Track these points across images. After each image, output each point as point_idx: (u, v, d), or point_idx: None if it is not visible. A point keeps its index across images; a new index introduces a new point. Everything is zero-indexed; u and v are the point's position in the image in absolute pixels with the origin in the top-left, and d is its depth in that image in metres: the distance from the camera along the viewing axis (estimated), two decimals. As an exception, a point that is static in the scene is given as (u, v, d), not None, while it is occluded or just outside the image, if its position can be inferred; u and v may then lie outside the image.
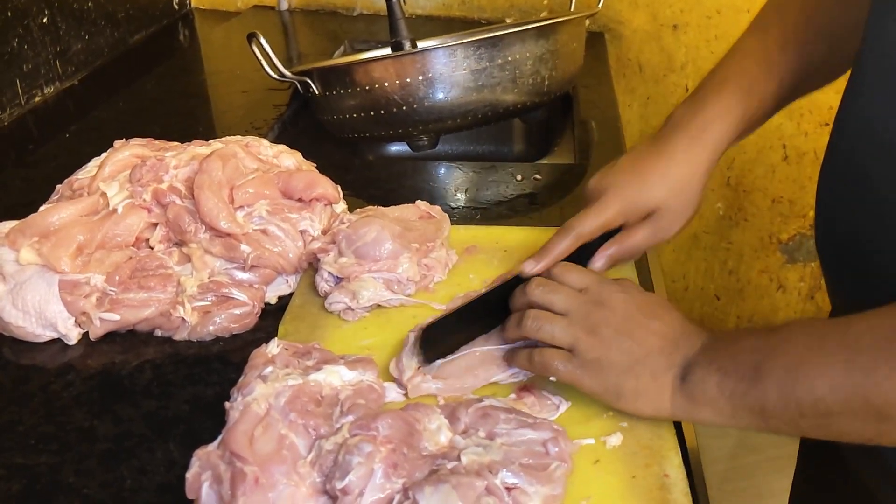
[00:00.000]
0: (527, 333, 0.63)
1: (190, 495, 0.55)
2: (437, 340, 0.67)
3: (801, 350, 0.52)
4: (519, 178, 1.04)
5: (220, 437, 0.57)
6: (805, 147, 1.75)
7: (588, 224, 0.71)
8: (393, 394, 0.64)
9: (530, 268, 0.70)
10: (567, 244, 0.71)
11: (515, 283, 0.70)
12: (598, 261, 0.73)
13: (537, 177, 1.04)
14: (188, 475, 0.56)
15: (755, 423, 0.54)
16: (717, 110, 0.71)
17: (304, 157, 0.94)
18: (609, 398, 0.60)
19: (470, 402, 0.61)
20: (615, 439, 0.60)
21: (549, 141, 1.28)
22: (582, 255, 0.73)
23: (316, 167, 0.93)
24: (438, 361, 0.67)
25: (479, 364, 0.67)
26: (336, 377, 0.62)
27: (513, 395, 0.65)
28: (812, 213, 0.68)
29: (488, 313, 0.70)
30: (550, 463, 0.56)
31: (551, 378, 0.64)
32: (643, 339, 0.59)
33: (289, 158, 0.93)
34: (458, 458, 0.55)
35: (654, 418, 0.60)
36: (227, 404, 0.60)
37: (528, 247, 0.83)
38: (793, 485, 0.93)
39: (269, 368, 0.62)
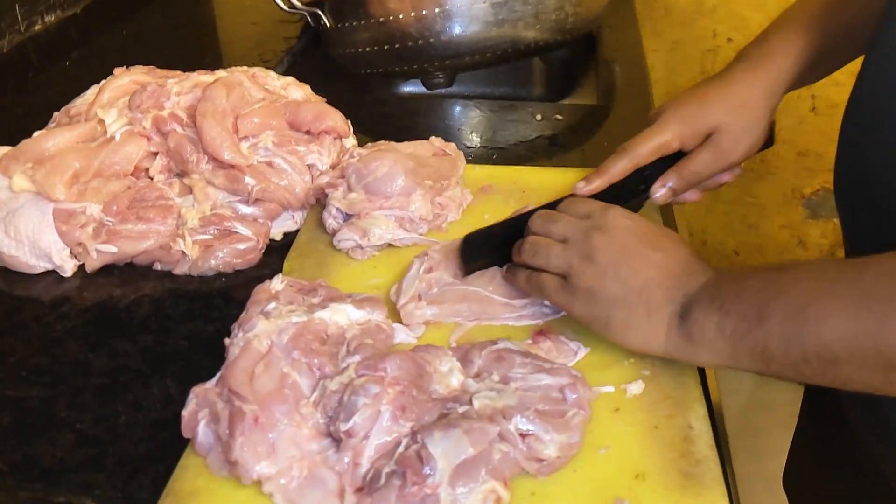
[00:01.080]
0: (524, 259, 0.61)
1: (186, 434, 0.52)
2: (477, 251, 0.66)
3: (809, 291, 0.48)
4: (539, 118, 0.99)
5: (218, 374, 0.54)
6: (836, 98, 1.68)
7: (643, 145, 0.69)
8: (402, 335, 0.61)
9: (583, 185, 0.69)
10: (622, 165, 0.69)
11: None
12: (658, 191, 0.71)
13: (558, 117, 0.99)
14: (184, 413, 0.53)
15: (756, 365, 0.50)
16: (779, 43, 0.70)
17: (313, 92, 0.89)
18: (597, 327, 0.57)
19: (484, 345, 0.57)
20: (636, 387, 0.57)
21: (570, 82, 1.23)
22: (638, 184, 0.70)
23: (326, 102, 0.88)
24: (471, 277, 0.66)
25: (476, 300, 0.64)
26: (342, 316, 0.59)
27: (528, 340, 0.61)
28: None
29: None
30: (568, 410, 0.53)
31: (545, 301, 0.61)
32: (641, 270, 0.55)
33: (297, 91, 0.89)
34: (470, 403, 0.52)
35: (642, 353, 0.56)
36: (227, 340, 0.57)
37: (548, 188, 0.79)
38: (793, 440, 0.90)
39: (273, 304, 0.59)
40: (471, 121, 1.01)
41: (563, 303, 0.58)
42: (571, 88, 1.17)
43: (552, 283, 0.59)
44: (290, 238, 0.76)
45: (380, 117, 1.01)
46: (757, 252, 1.91)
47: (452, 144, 0.83)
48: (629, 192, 0.70)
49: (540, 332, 0.62)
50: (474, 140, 0.96)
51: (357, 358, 0.55)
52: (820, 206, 1.83)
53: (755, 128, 0.70)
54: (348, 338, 0.57)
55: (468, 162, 0.83)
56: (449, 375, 0.55)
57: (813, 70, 0.72)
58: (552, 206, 0.67)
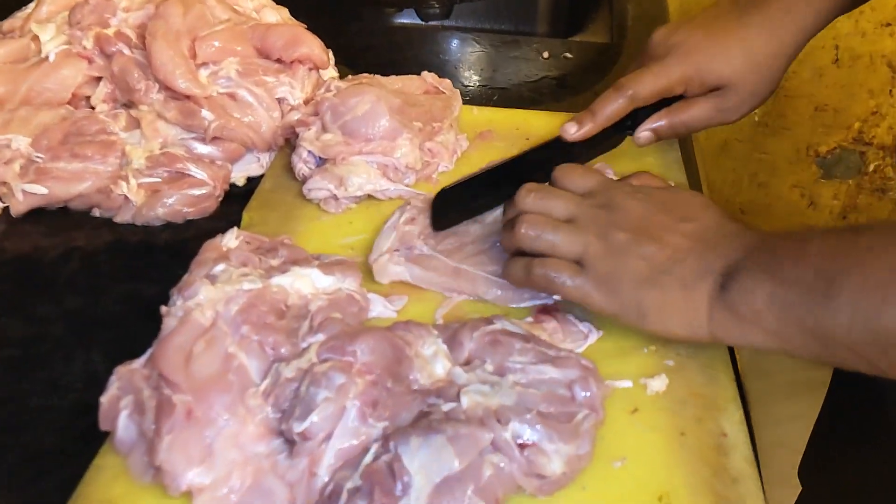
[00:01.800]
0: (521, 242, 0.50)
1: (104, 426, 0.42)
2: (451, 205, 0.58)
3: (892, 263, 0.39)
4: (545, 55, 0.88)
5: (148, 352, 0.44)
6: (860, 49, 1.56)
7: (646, 85, 0.59)
8: (379, 307, 0.51)
9: (573, 130, 0.59)
10: (619, 106, 0.59)
11: (550, 148, 0.59)
12: (643, 132, 0.61)
13: (567, 55, 0.88)
14: (103, 399, 0.43)
15: (812, 347, 0.42)
16: None
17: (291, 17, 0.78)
18: (630, 317, 0.47)
19: (476, 324, 0.47)
20: (658, 383, 0.47)
21: (580, 17, 1.11)
22: (625, 122, 0.61)
23: (306, 29, 0.77)
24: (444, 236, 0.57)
25: (469, 280, 0.54)
26: (306, 283, 0.48)
27: (529, 319, 0.51)
28: (857, 125, 0.57)
29: (513, 182, 0.58)
30: (577, 412, 0.43)
31: (554, 296, 0.51)
32: (669, 242, 0.47)
33: (272, 14, 0.77)
34: (458, 399, 0.42)
35: (689, 340, 0.47)
36: (163, 309, 0.47)
37: (554, 134, 0.68)
38: (818, 422, 0.82)
39: (221, 266, 0.48)
40: (469, 57, 0.90)
41: (581, 294, 0.48)
42: (581, 24, 1.05)
43: (567, 270, 0.48)
44: (253, 184, 0.65)
45: (366, 49, 0.90)
46: (764, 211, 1.81)
47: (447, 81, 0.72)
48: (613, 129, 0.61)
49: (544, 310, 0.52)
50: (472, 78, 0.85)
51: (321, 337, 0.45)
52: (835, 165, 1.72)
53: (766, 89, 0.61)
54: (312, 311, 0.47)
55: (465, 103, 0.72)
56: (433, 361, 0.45)
57: (856, 3, 0.62)
58: (531, 156, 0.59)
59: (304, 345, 0.45)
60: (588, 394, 0.44)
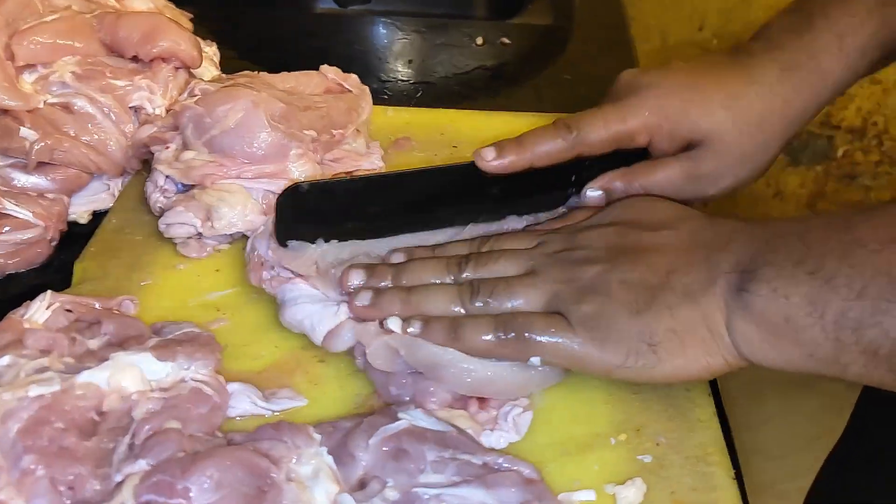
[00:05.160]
0: (468, 301, 0.39)
1: None
2: (311, 211, 0.43)
3: None
4: (479, 42, 0.76)
5: None
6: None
7: (596, 127, 0.45)
8: (244, 403, 0.36)
9: (491, 157, 0.44)
10: (558, 147, 0.44)
11: (460, 172, 0.45)
12: (593, 193, 0.46)
13: (505, 41, 0.76)
14: None
15: (874, 372, 0.32)
16: (835, 31, 0.46)
17: (177, 4, 0.63)
18: (640, 363, 0.36)
19: (374, 423, 0.34)
20: (632, 491, 0.34)
21: (519, -3, 0.98)
22: (567, 175, 0.46)
23: (192, 19, 0.63)
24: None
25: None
26: (132, 375, 0.34)
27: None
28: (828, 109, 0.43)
29: (406, 203, 0.45)
30: (519, 559, 0.30)
31: (533, 360, 0.37)
32: (654, 260, 0.38)
33: (143, 1, 0.62)
34: (344, 552, 0.28)
35: (709, 374, 0.36)
36: (-82, 429, 0.32)
37: (488, 140, 0.55)
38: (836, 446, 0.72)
39: (6, 360, 0.34)
40: (390, 45, 0.77)
41: (569, 352, 0.36)
42: (521, 4, 0.92)
43: (543, 323, 0.37)
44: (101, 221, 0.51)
45: (266, 41, 0.76)
46: (727, 203, 1.70)
47: (353, 76, 0.58)
48: (549, 182, 0.46)
49: (473, 387, 0.38)
50: (393, 71, 0.71)
51: (143, 464, 0.31)
52: (801, 151, 1.62)
53: (764, 155, 0.46)
54: (137, 419, 0.33)
55: (382, 100, 0.61)
56: (312, 486, 0.32)
57: (880, 64, 0.48)
58: (433, 178, 0.45)
59: (119, 478, 0.30)
60: (534, 528, 0.30)
